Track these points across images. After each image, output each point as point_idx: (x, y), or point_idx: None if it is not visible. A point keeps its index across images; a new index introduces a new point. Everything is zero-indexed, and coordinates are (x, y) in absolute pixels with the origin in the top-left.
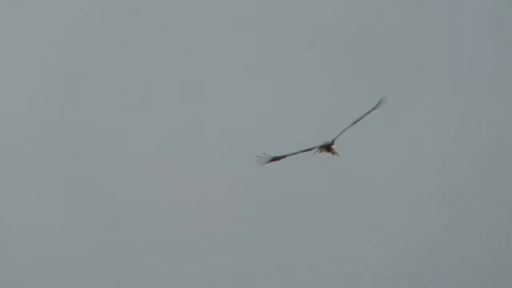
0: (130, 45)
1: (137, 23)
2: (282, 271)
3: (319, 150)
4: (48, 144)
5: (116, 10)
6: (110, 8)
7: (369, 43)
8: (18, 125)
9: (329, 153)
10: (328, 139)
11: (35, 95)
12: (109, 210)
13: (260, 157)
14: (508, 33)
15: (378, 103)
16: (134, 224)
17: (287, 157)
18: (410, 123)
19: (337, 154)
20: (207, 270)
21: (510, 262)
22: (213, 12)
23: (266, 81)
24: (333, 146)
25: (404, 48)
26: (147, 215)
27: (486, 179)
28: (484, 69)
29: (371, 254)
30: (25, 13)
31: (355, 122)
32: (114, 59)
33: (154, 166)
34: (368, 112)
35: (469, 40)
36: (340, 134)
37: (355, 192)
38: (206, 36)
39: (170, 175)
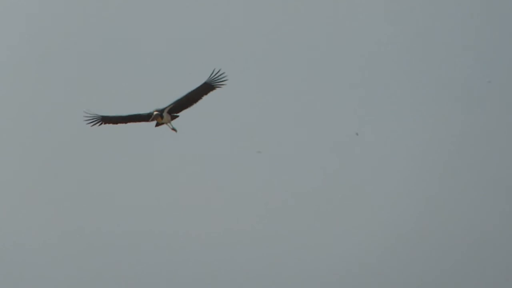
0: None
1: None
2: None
3: (153, 118)
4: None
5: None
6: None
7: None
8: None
9: (166, 122)
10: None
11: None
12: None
13: (88, 114)
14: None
15: (214, 78)
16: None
17: (124, 124)
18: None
19: (167, 123)
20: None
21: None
22: None
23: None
24: (155, 113)
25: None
26: None
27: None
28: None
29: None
30: None
31: (188, 95)
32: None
33: None
34: (206, 87)
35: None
36: (171, 104)
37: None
38: None
39: None
